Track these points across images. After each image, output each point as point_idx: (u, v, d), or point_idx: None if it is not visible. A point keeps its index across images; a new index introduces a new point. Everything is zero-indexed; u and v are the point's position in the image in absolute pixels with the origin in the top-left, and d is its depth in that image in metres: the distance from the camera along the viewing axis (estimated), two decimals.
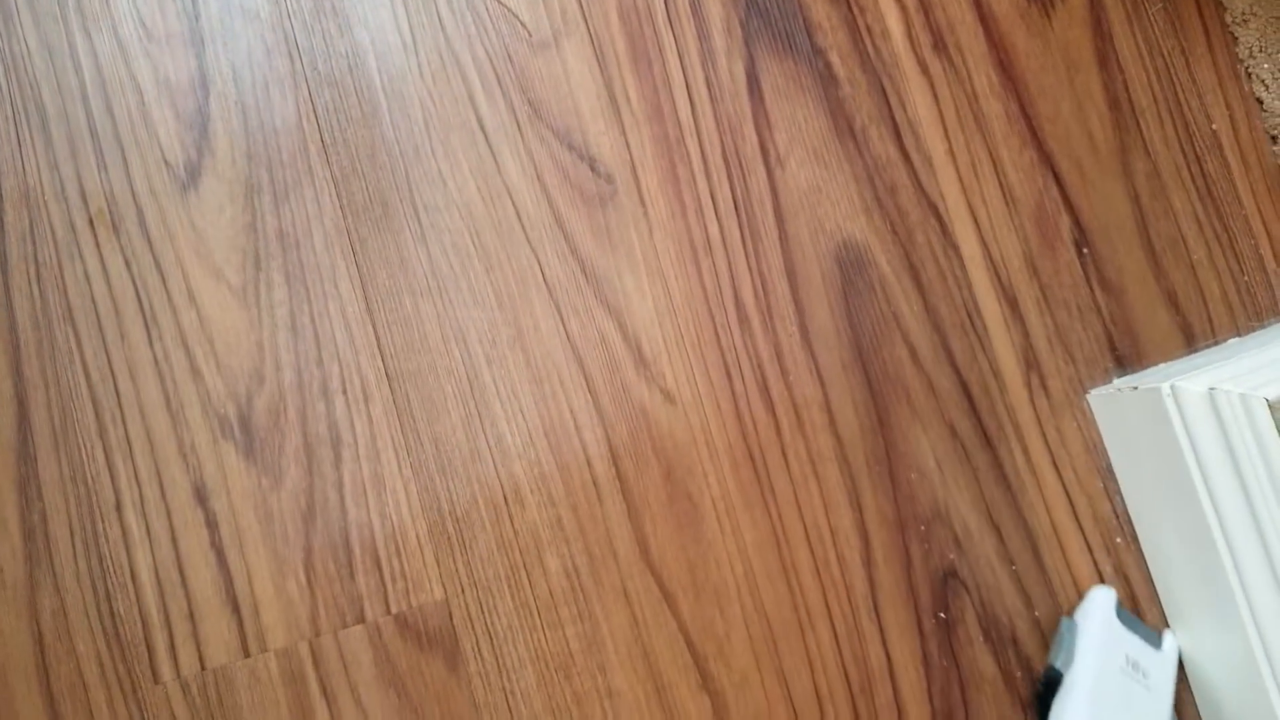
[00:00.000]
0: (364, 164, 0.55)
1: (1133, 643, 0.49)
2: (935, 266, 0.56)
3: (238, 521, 0.53)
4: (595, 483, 0.54)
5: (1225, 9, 0.57)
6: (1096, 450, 0.54)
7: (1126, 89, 0.57)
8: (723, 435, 0.54)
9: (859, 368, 0.55)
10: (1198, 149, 0.57)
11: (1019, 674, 0.53)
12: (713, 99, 0.57)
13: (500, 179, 0.56)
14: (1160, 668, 0.49)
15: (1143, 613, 0.53)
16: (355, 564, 0.53)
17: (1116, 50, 0.58)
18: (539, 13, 0.57)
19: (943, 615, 0.53)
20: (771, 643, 0.53)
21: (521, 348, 0.55)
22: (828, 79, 0.57)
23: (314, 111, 0.56)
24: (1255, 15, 0.57)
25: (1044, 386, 0.55)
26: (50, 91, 0.55)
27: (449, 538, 0.53)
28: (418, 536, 0.53)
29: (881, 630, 0.53)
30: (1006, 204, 0.56)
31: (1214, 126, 0.57)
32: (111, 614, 0.52)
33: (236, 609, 0.52)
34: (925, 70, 0.57)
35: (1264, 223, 0.56)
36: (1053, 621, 0.53)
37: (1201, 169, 0.57)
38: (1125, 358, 0.55)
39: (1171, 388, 0.47)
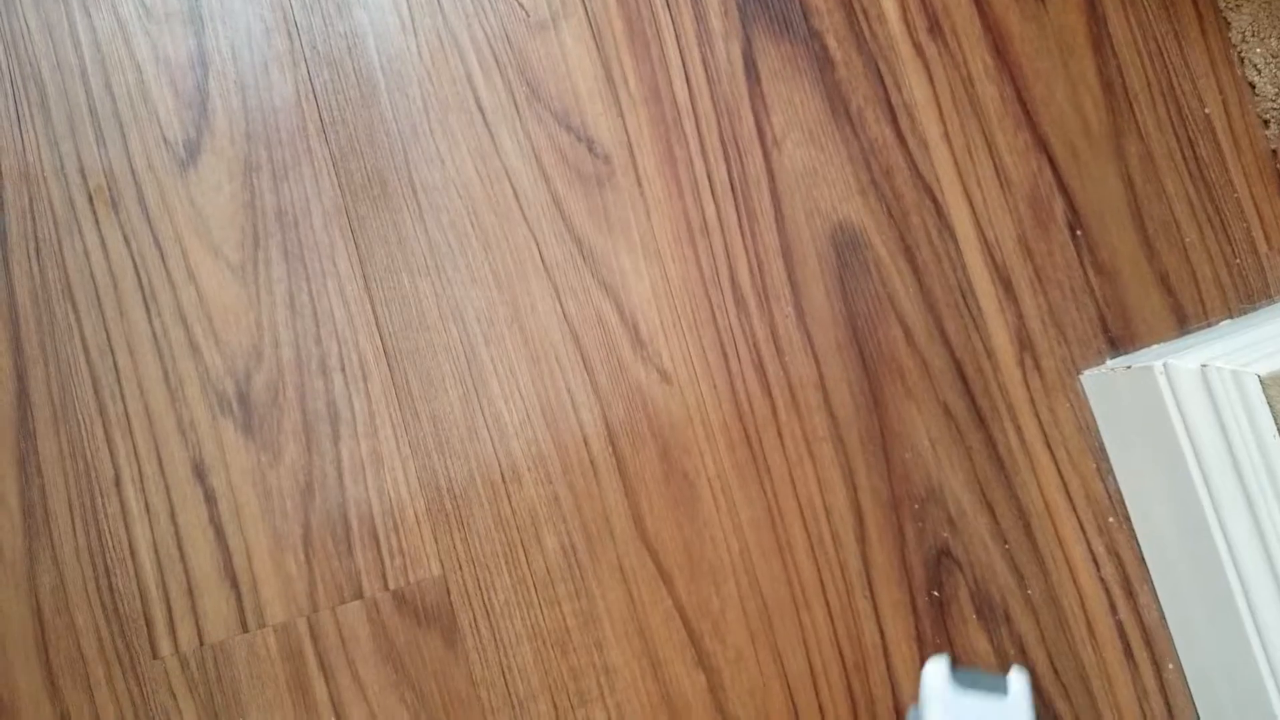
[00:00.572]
0: (362, 143, 0.56)
1: (977, 706, 0.48)
2: (930, 248, 0.56)
3: (236, 497, 0.53)
4: (592, 461, 0.54)
5: None
6: (1089, 430, 0.55)
7: (1120, 73, 0.58)
8: (718, 414, 0.55)
9: (854, 348, 0.55)
10: (1190, 133, 0.57)
11: (1011, 652, 0.53)
12: (710, 81, 0.57)
13: (498, 159, 0.56)
14: (1013, 716, 0.49)
15: (1135, 593, 0.54)
16: (353, 540, 0.53)
17: (1110, 34, 0.58)
18: None
19: (936, 593, 0.54)
20: (766, 620, 0.53)
21: (519, 327, 0.55)
22: (824, 61, 0.57)
23: (313, 91, 0.56)
24: (1248, 0, 0.57)
25: (1037, 367, 0.55)
26: (50, 69, 0.56)
27: (447, 515, 0.53)
28: (415, 513, 0.53)
29: (875, 608, 0.53)
30: (1001, 186, 0.57)
31: (1206, 110, 0.58)
32: (111, 589, 0.53)
33: (235, 584, 0.53)
34: (921, 53, 0.58)
35: (1255, 206, 0.57)
36: (1046, 600, 0.53)
37: (1194, 152, 0.57)
38: (1118, 339, 0.56)
39: (1164, 365, 0.48)
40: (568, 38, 0.57)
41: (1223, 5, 0.58)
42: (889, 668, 0.53)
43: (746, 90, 0.57)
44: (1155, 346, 0.55)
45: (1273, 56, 0.56)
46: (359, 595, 0.53)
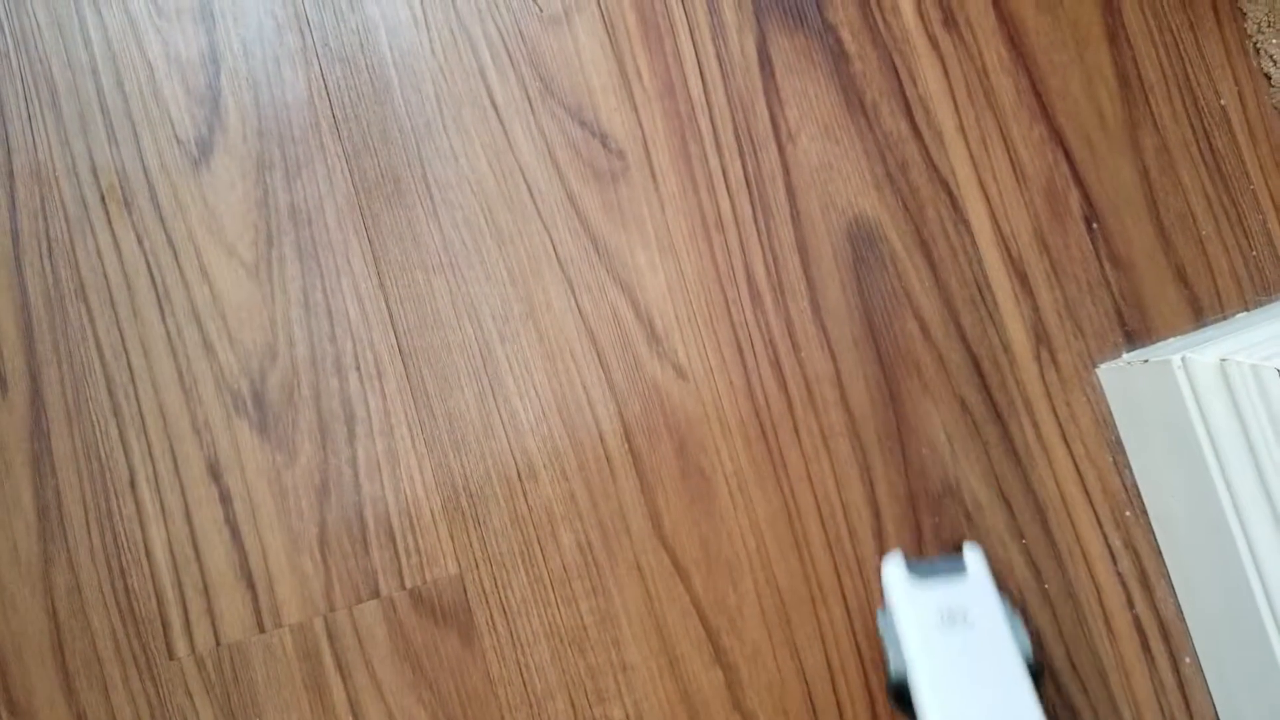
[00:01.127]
0: (375, 140, 0.55)
1: (939, 593, 0.48)
2: (946, 242, 0.56)
3: (252, 497, 0.53)
4: (608, 458, 0.54)
5: None
6: (1106, 424, 0.55)
7: (1136, 65, 0.58)
8: (735, 410, 0.54)
9: (870, 343, 0.55)
10: (1206, 124, 0.57)
11: (1029, 645, 0.53)
12: (724, 75, 0.57)
13: (512, 155, 0.56)
14: (976, 592, 0.48)
15: (1152, 587, 0.53)
16: (369, 539, 0.53)
17: (1125, 26, 0.58)
18: None
19: None
20: (784, 616, 0.53)
21: (534, 323, 0.55)
22: (839, 55, 0.57)
23: (325, 88, 0.56)
24: None
25: (1054, 361, 0.55)
26: (60, 67, 0.55)
27: (463, 513, 0.53)
28: (432, 512, 0.53)
29: None
30: (1017, 179, 0.56)
31: (1222, 102, 0.57)
32: (126, 590, 0.52)
33: (251, 584, 0.53)
34: (936, 46, 0.57)
35: (1272, 198, 0.57)
36: (1063, 594, 0.53)
37: (1210, 144, 0.57)
38: (1134, 332, 0.56)
39: (1182, 360, 0.47)
40: (581, 32, 0.57)
41: None
42: None
43: (761, 84, 0.57)
44: (1172, 340, 0.55)
45: None
46: (375, 594, 0.53)
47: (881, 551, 0.54)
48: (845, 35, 0.57)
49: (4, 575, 0.52)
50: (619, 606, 0.53)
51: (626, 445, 0.54)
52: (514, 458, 0.54)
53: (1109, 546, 0.54)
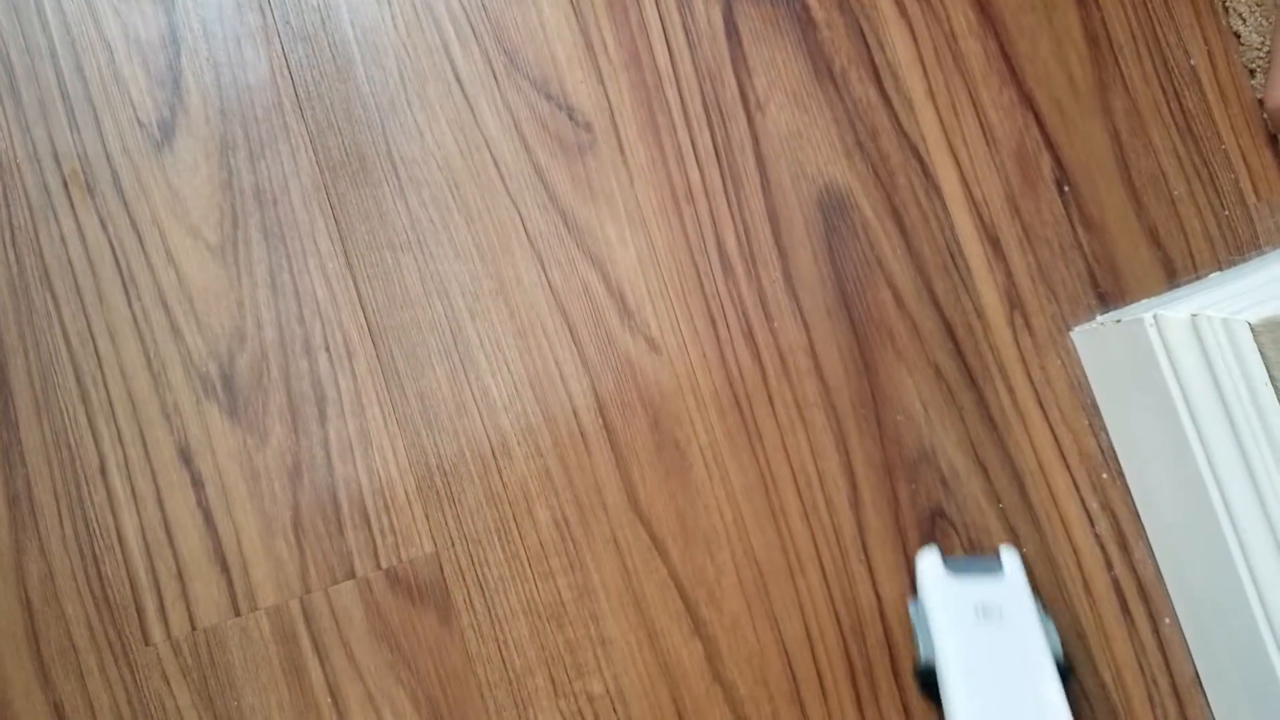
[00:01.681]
0: (339, 118, 0.55)
1: (975, 590, 0.48)
2: (917, 208, 0.56)
3: (224, 481, 0.53)
4: (582, 433, 0.54)
5: None
6: (1081, 387, 0.55)
7: (1105, 26, 0.57)
8: (708, 382, 0.54)
9: (843, 312, 0.55)
10: (1176, 85, 0.57)
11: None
12: (690, 45, 0.56)
13: (478, 130, 0.55)
14: (1010, 592, 0.48)
15: (1130, 549, 0.53)
16: (344, 520, 0.53)
17: None
18: None
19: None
20: (762, 587, 0.53)
21: (504, 300, 0.54)
22: (806, 22, 0.57)
23: (287, 66, 0.55)
24: None
25: (1027, 325, 0.55)
26: (18, 52, 0.55)
27: (437, 492, 0.53)
28: (406, 491, 0.53)
29: (871, 571, 0.53)
30: (987, 144, 0.56)
31: (1192, 62, 0.57)
32: (100, 577, 0.52)
33: (226, 568, 0.52)
34: (903, 11, 0.57)
35: (1243, 157, 0.56)
36: (1041, 558, 0.53)
37: (1180, 104, 0.57)
38: (1108, 294, 0.55)
39: (1154, 317, 0.47)
40: (545, 5, 0.56)
41: None
42: (886, 631, 0.53)
43: (728, 53, 0.56)
44: (1145, 301, 0.55)
45: (1258, 4, 0.56)
46: (351, 575, 0.52)
47: (859, 520, 0.53)
48: (812, 2, 0.57)
49: None
50: (597, 581, 0.53)
51: (600, 420, 0.54)
52: (487, 435, 0.53)
53: (1086, 509, 0.54)
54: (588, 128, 0.55)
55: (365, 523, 0.53)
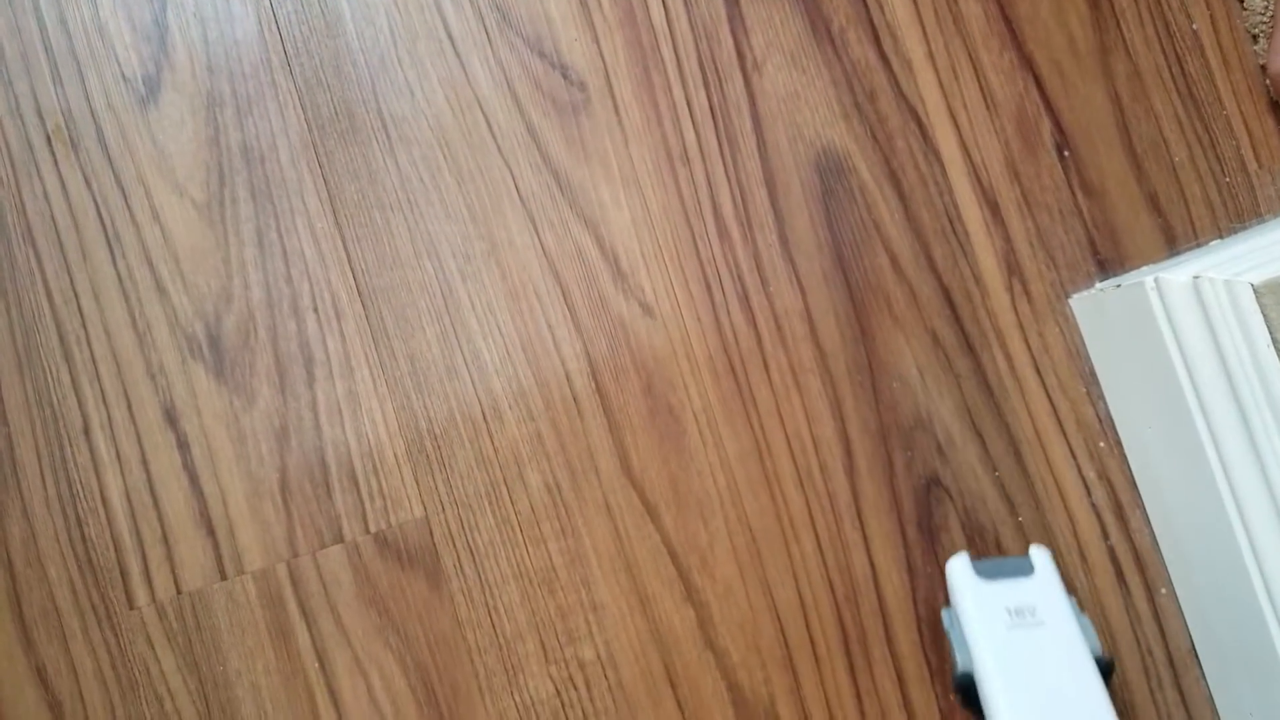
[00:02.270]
0: (329, 75, 0.54)
1: (1007, 592, 0.47)
2: (916, 172, 0.55)
3: (210, 443, 0.52)
4: (575, 397, 0.53)
5: None
6: (1079, 354, 0.54)
7: None
8: (703, 347, 0.53)
9: (840, 276, 0.54)
10: (1178, 49, 0.56)
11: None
12: (686, 3, 0.55)
13: (470, 89, 0.54)
14: (1044, 592, 0.48)
15: (1127, 518, 0.53)
16: (332, 484, 0.52)
17: None
18: None
19: (926, 522, 0.53)
20: (755, 553, 0.52)
21: (496, 262, 0.53)
22: None
23: (275, 21, 0.54)
24: None
25: (1026, 291, 0.54)
26: (1, 5, 0.53)
27: (427, 455, 0.52)
28: (395, 455, 0.52)
29: (865, 539, 0.53)
30: (987, 107, 0.55)
31: (1194, 26, 0.56)
32: (83, 539, 0.51)
33: (211, 531, 0.51)
34: None
35: (1245, 123, 0.56)
36: (1038, 526, 0.53)
37: (1182, 69, 0.56)
38: (1107, 261, 0.55)
39: (1155, 280, 0.47)
40: None
41: None
42: (880, 598, 0.52)
43: (725, 12, 0.55)
44: (1145, 268, 0.54)
45: None
46: (339, 539, 0.52)
47: (854, 487, 0.53)
48: None
49: None
50: (588, 547, 0.52)
51: (593, 384, 0.53)
52: (478, 398, 0.53)
53: (1083, 478, 0.53)
54: (581, 87, 0.54)
55: (354, 486, 0.52)
